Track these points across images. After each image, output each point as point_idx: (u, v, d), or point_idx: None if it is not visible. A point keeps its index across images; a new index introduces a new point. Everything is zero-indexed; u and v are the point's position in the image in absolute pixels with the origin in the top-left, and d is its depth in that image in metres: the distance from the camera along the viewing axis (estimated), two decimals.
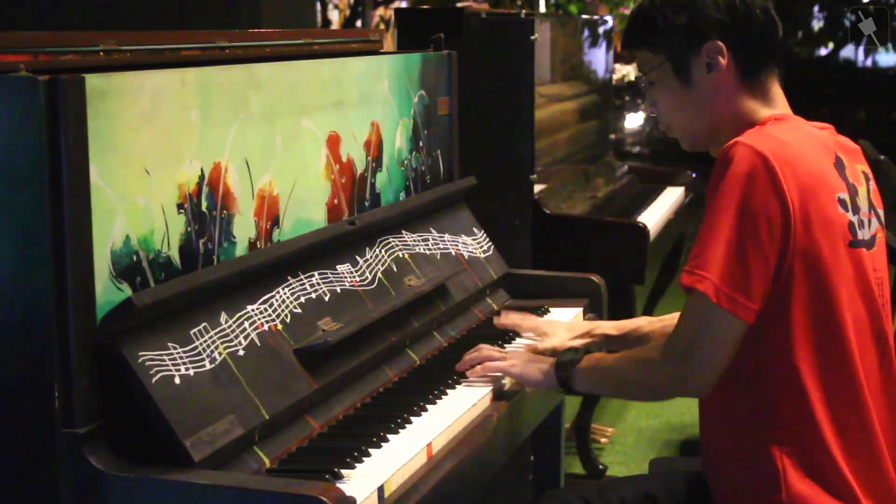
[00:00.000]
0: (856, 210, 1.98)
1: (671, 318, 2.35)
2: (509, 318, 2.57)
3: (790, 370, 1.92)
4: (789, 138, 1.94)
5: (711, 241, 1.86)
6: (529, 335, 2.53)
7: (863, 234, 1.98)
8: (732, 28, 2.01)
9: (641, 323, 2.44)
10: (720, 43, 2.01)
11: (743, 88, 2.03)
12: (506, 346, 2.49)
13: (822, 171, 1.95)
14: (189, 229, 1.95)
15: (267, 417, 1.87)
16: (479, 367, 2.25)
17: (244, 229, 2.10)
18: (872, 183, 2.08)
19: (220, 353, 1.88)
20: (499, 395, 2.24)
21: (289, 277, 2.16)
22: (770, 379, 1.94)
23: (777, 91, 2.06)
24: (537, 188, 3.78)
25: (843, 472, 1.92)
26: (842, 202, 1.95)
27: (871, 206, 2.03)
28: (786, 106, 2.07)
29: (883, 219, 2.07)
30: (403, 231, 2.62)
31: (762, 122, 2.01)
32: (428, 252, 2.67)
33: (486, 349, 2.30)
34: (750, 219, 1.85)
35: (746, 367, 1.93)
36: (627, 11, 13.99)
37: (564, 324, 2.54)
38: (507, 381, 2.28)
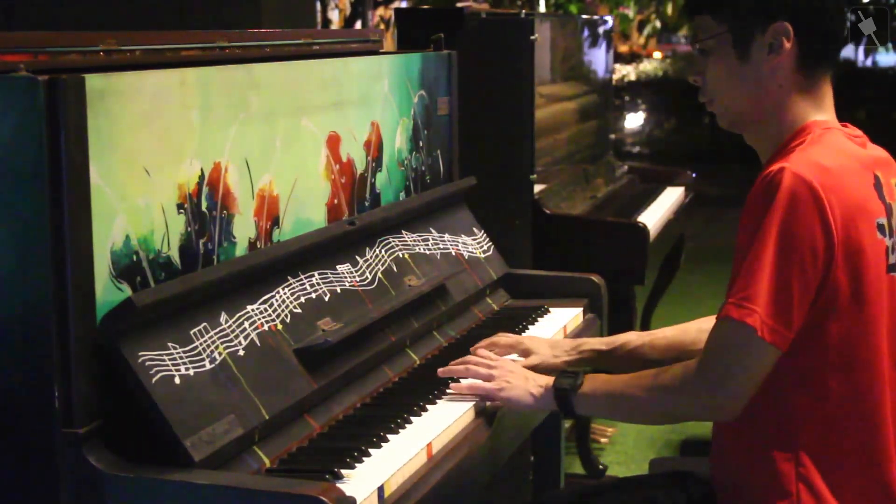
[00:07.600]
0: (892, 233, 1.94)
1: (661, 333, 2.33)
2: (484, 342, 2.41)
3: (820, 390, 1.90)
4: (831, 162, 1.88)
5: (758, 271, 1.82)
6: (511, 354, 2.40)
7: (894, 259, 1.94)
8: (805, 14, 1.94)
9: (630, 338, 2.36)
10: (788, 26, 1.94)
11: (797, 80, 1.96)
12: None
13: (864, 197, 1.91)
14: (189, 229, 1.95)
15: (267, 417, 1.87)
16: (464, 384, 2.17)
17: (244, 229, 2.10)
18: None
19: (220, 353, 1.88)
20: (481, 411, 2.15)
21: (289, 277, 2.16)
22: (799, 396, 1.91)
23: (828, 92, 2.00)
24: (537, 188, 3.78)
25: (855, 496, 1.91)
26: (880, 227, 1.92)
27: None
28: (832, 110, 2.00)
29: None
30: (403, 231, 2.62)
31: (805, 127, 1.95)
32: (428, 252, 2.67)
33: (472, 364, 2.20)
34: (796, 250, 1.81)
35: (777, 384, 1.89)
36: (628, 11, 13.97)
37: (547, 340, 2.43)
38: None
